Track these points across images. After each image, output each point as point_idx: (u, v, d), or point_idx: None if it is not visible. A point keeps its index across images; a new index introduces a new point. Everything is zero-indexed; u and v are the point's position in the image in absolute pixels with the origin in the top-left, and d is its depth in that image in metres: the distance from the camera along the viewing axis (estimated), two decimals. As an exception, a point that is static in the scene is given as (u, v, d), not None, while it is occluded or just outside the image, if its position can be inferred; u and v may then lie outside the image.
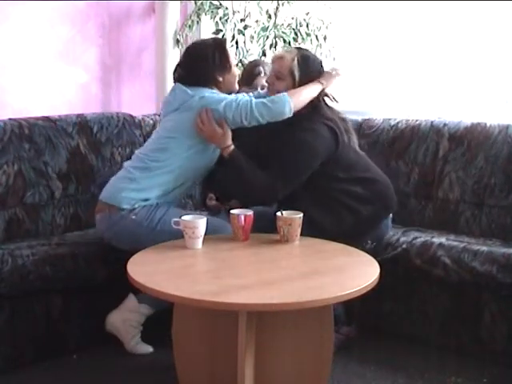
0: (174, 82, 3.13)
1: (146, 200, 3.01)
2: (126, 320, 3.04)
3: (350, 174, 3.08)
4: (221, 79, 3.06)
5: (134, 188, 3.01)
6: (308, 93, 3.03)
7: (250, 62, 3.82)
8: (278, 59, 3.11)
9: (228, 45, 3.20)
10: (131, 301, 3.04)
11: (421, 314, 3.23)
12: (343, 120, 3.14)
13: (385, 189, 3.17)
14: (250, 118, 2.95)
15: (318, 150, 3.00)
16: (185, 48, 3.20)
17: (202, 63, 3.05)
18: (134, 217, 2.98)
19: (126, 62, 4.48)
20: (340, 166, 3.06)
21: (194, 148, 3.02)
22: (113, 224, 3.02)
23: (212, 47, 3.08)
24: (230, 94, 3.08)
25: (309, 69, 3.07)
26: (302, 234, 2.83)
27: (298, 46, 4.24)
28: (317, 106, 3.08)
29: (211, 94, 3.02)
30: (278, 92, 3.02)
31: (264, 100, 2.97)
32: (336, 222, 3.03)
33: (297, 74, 3.05)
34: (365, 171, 3.14)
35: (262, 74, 3.46)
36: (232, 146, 2.98)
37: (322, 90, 3.06)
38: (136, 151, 3.18)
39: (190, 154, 3.02)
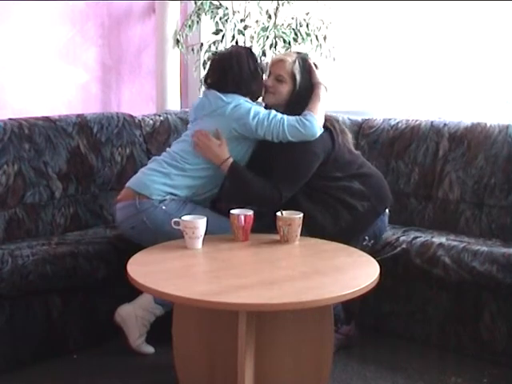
0: (207, 89, 3.16)
1: (176, 195, 3.04)
2: (138, 317, 3.03)
3: (346, 171, 3.11)
4: (254, 88, 3.11)
5: (165, 182, 3.03)
6: (324, 103, 3.08)
7: None
8: (278, 62, 3.13)
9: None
10: (147, 299, 3.02)
11: (421, 314, 3.23)
12: (337, 120, 3.18)
13: (380, 183, 3.20)
14: (282, 137, 3.00)
15: (317, 151, 3.02)
16: (214, 55, 3.26)
17: (237, 69, 3.08)
18: (164, 207, 2.99)
19: (126, 62, 4.48)
20: (337, 167, 3.09)
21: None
22: (141, 211, 3.00)
23: (247, 54, 3.13)
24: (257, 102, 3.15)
25: (306, 71, 3.10)
26: (302, 235, 2.83)
27: (293, 48, 4.28)
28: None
29: (245, 102, 3.06)
30: (281, 95, 3.08)
31: (295, 123, 2.98)
32: (334, 220, 3.04)
33: (298, 76, 3.08)
34: (359, 167, 3.16)
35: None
36: (230, 159, 3.01)
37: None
38: (168, 148, 3.19)
39: (213, 172, 3.06)
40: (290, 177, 3.00)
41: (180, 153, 3.09)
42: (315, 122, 3.00)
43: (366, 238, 3.10)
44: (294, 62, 3.09)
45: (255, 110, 3.02)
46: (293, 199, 2.99)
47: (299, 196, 3.04)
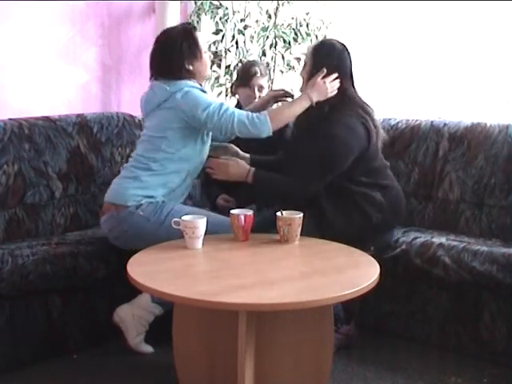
0: (150, 75, 3.12)
1: (152, 197, 3.03)
2: (135, 316, 3.03)
3: (372, 179, 3.09)
4: (190, 68, 3.05)
5: (138, 186, 3.03)
6: (293, 111, 3.02)
7: (246, 62, 3.82)
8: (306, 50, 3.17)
9: (197, 32, 3.12)
10: (144, 298, 3.02)
11: (421, 314, 3.23)
12: (374, 120, 3.09)
13: (399, 199, 3.20)
14: (230, 133, 3.00)
15: (353, 145, 2.99)
16: (155, 38, 3.15)
17: (170, 52, 3.04)
18: (141, 213, 2.99)
19: (126, 62, 4.48)
20: (364, 171, 3.06)
21: (187, 146, 3.04)
22: (121, 221, 3.02)
23: (180, 34, 3.06)
24: (203, 81, 3.14)
25: (322, 53, 3.06)
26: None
27: (293, 48, 4.28)
28: (349, 95, 3.06)
29: (193, 89, 3.00)
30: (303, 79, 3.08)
31: (246, 119, 2.95)
32: (346, 222, 3.03)
33: (311, 59, 3.07)
34: (384, 178, 3.15)
35: (259, 74, 3.46)
36: (252, 169, 3.03)
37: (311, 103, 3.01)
38: (132, 153, 3.19)
39: (184, 153, 3.04)
40: (319, 171, 2.99)
41: (143, 154, 3.08)
42: (267, 122, 2.95)
43: (372, 248, 3.07)
44: (310, 48, 3.11)
45: (205, 101, 2.98)
46: (314, 196, 3.01)
47: (320, 194, 3.04)
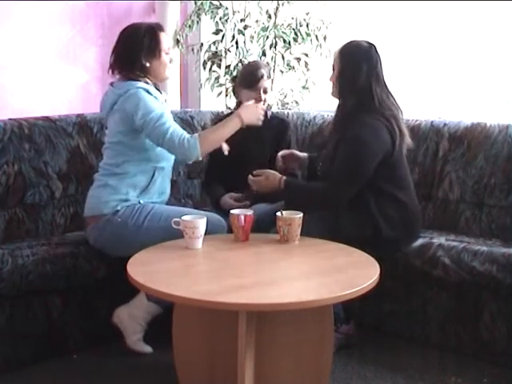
0: (109, 70, 3.10)
1: (127, 201, 3.02)
2: (132, 315, 3.03)
3: (391, 189, 3.05)
4: (147, 64, 3.03)
5: (109, 192, 3.02)
6: (223, 133, 3.00)
7: (250, 64, 3.74)
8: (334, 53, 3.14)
9: (163, 31, 3.09)
10: (140, 298, 3.02)
11: (421, 314, 3.23)
12: (398, 123, 3.03)
13: (414, 217, 3.15)
14: (161, 146, 2.97)
15: (375, 147, 2.95)
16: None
17: (129, 45, 3.02)
18: (119, 219, 2.99)
19: (126, 62, 4.48)
20: (387, 178, 3.02)
21: (145, 147, 3.02)
22: (101, 230, 3.02)
23: (143, 30, 3.03)
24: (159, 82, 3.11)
25: (348, 54, 3.04)
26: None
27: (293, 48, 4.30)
28: (375, 96, 3.00)
29: (138, 90, 2.96)
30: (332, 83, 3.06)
31: (176, 139, 2.91)
32: (356, 233, 2.97)
33: (338, 61, 3.05)
34: (404, 194, 3.10)
35: (265, 77, 3.40)
36: (282, 178, 3.01)
37: (242, 126, 3.01)
38: (100, 163, 3.17)
39: (144, 154, 3.03)
40: (347, 175, 2.96)
41: (107, 161, 3.09)
42: (196, 147, 2.91)
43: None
44: (337, 51, 3.08)
45: (147, 107, 2.94)
46: None
47: None
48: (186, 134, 2.96)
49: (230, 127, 3.01)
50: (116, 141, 3.05)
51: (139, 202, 3.03)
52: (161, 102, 3.07)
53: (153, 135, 2.95)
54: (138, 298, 3.02)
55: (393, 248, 3.11)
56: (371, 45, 3.08)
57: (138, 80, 3.03)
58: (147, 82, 3.05)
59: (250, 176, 2.85)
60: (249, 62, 3.94)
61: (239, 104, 3.54)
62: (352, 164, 2.95)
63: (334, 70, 3.09)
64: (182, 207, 3.20)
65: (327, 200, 2.98)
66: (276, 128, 3.55)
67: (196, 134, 2.98)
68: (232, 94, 4.47)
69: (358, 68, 3.00)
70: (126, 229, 2.97)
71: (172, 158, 3.12)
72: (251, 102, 3.10)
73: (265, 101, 3.38)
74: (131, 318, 3.03)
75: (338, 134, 3.03)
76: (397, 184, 3.08)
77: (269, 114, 3.53)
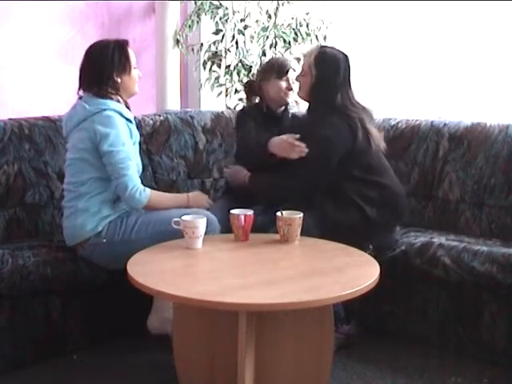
0: (78, 87, 3.07)
1: (105, 218, 2.97)
2: (162, 319, 2.98)
3: (365, 175, 3.12)
4: (119, 80, 3.00)
5: (83, 217, 2.96)
6: (168, 204, 3.01)
7: (276, 57, 3.92)
8: (303, 56, 3.28)
9: (129, 47, 3.07)
10: (157, 300, 2.98)
11: (421, 314, 3.23)
12: (361, 119, 3.13)
13: (396, 197, 3.20)
14: (114, 182, 2.94)
15: (335, 142, 3.07)
16: (86, 48, 3.09)
17: (100, 61, 2.99)
18: (104, 240, 2.96)
19: (126, 62, 4.47)
20: (356, 164, 3.11)
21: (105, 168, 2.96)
22: (90, 255, 3.00)
23: (112, 46, 3.01)
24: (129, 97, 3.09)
25: (325, 66, 3.14)
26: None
27: (293, 48, 4.31)
28: (338, 103, 3.12)
29: (114, 114, 2.93)
30: (300, 88, 3.23)
31: (130, 185, 2.90)
32: (343, 217, 3.06)
33: (314, 71, 3.14)
34: (380, 175, 3.17)
35: (292, 69, 3.46)
36: (247, 176, 3.27)
37: (186, 206, 3.05)
38: (63, 185, 3.12)
39: (106, 172, 2.96)
40: (310, 169, 3.09)
41: (71, 179, 3.02)
42: (141, 203, 2.93)
43: (371, 246, 3.07)
44: (311, 55, 3.20)
45: (117, 139, 2.91)
46: (312, 193, 3.12)
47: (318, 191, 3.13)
48: (139, 186, 2.93)
49: (176, 203, 3.05)
50: (80, 157, 2.97)
51: (119, 217, 2.98)
52: (130, 123, 3.03)
53: (110, 169, 2.92)
54: (158, 302, 2.99)
55: (382, 229, 3.15)
56: (345, 54, 3.22)
57: (111, 98, 2.99)
58: (119, 101, 3.01)
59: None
60: (273, 57, 4.00)
61: (261, 102, 3.50)
62: (316, 162, 3.09)
63: (302, 74, 3.21)
64: (169, 210, 3.05)
65: (292, 188, 3.13)
66: (298, 126, 3.52)
67: (148, 192, 2.95)
68: (232, 94, 4.50)
69: (334, 77, 3.13)
70: (115, 246, 2.93)
71: (140, 170, 3.08)
72: (205, 197, 3.17)
73: (293, 91, 3.41)
74: (164, 321, 2.96)
75: (305, 130, 3.16)
76: (373, 171, 3.15)
77: (290, 113, 3.51)
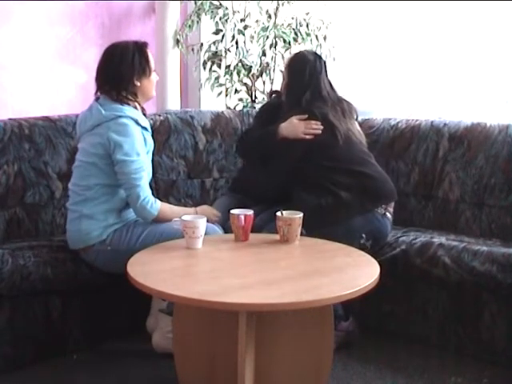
0: (95, 90, 3.01)
1: (110, 226, 2.95)
2: (166, 336, 2.96)
3: (336, 164, 3.18)
4: (138, 84, 2.97)
5: (88, 223, 2.94)
6: (176, 214, 2.90)
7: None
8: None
9: (149, 49, 3.04)
10: (164, 320, 2.96)
11: (421, 313, 3.23)
12: (325, 114, 3.23)
13: (377, 184, 3.22)
14: (125, 192, 2.92)
15: (295, 144, 3.20)
16: (104, 50, 3.04)
17: (121, 65, 2.94)
18: (109, 247, 2.94)
19: (126, 61, 4.47)
20: (323, 156, 3.19)
21: (115, 176, 2.93)
22: (94, 260, 2.99)
23: (132, 49, 2.97)
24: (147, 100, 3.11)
25: (292, 69, 3.32)
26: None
27: (293, 48, 4.32)
28: (301, 98, 3.25)
29: (130, 122, 2.89)
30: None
31: (142, 196, 2.87)
32: (318, 203, 3.13)
33: (285, 75, 3.35)
34: (357, 165, 3.21)
35: None
36: None
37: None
38: (69, 185, 3.09)
39: (117, 180, 2.93)
40: (277, 163, 3.26)
41: (78, 182, 3.00)
42: (152, 214, 2.90)
43: (363, 235, 3.10)
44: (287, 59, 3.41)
45: (132, 149, 2.87)
46: (289, 185, 3.22)
47: (294, 183, 3.22)
48: (150, 197, 2.90)
49: (184, 212, 2.94)
50: (91, 161, 2.94)
51: (125, 225, 2.96)
52: (146, 131, 3.02)
53: (122, 178, 2.89)
54: (162, 320, 2.98)
55: (357, 209, 3.16)
56: (316, 55, 3.39)
57: (128, 103, 2.95)
58: (136, 107, 2.99)
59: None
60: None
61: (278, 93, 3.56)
62: (282, 157, 3.26)
63: (283, 78, 3.41)
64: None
65: (264, 188, 3.31)
66: None
67: (159, 204, 2.92)
68: (233, 94, 4.49)
69: (300, 77, 3.28)
70: (119, 254, 2.86)
71: (150, 178, 3.05)
72: (214, 212, 3.13)
73: None
74: (170, 339, 2.86)
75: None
76: (337, 160, 3.20)
77: None
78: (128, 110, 2.94)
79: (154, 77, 3.06)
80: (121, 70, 2.95)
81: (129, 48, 2.98)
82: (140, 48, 3.00)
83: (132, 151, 2.88)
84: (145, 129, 3.02)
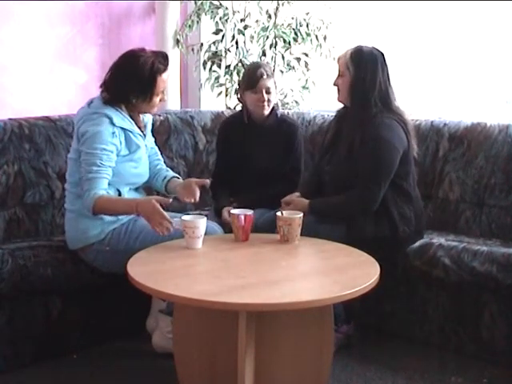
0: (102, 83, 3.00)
1: (108, 223, 2.93)
2: (165, 337, 2.97)
3: (407, 187, 3.09)
4: (134, 101, 2.94)
5: (86, 222, 2.92)
6: (117, 210, 2.86)
7: (250, 64, 3.70)
8: (338, 59, 3.12)
9: (167, 70, 2.92)
10: (164, 321, 2.97)
11: (421, 314, 3.23)
12: (405, 122, 3.11)
13: (421, 215, 3.19)
14: (83, 179, 2.86)
15: (397, 145, 3.01)
16: (123, 54, 2.98)
17: (126, 80, 2.90)
18: (107, 248, 2.93)
19: (126, 62, 4.48)
20: (404, 174, 3.07)
21: None
22: (93, 260, 2.98)
23: (148, 69, 2.88)
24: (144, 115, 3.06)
25: (363, 62, 3.04)
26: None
27: (293, 48, 4.30)
28: (386, 98, 3.05)
29: (103, 119, 2.85)
30: (339, 92, 3.08)
31: (86, 186, 2.81)
32: (372, 230, 3.03)
33: (351, 69, 3.03)
34: (413, 189, 3.15)
35: (265, 76, 3.28)
36: (307, 203, 3.05)
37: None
38: (65, 185, 3.09)
39: None
40: (376, 176, 2.99)
41: (68, 179, 3.01)
42: (89, 204, 2.79)
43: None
44: (346, 54, 3.08)
45: (94, 140, 2.83)
46: None
47: None
48: (96, 190, 2.80)
49: (124, 209, 2.85)
50: (74, 157, 2.96)
51: (123, 225, 2.93)
52: (129, 132, 2.96)
53: (84, 168, 2.85)
54: (162, 320, 2.99)
55: (405, 246, 3.13)
56: (380, 51, 3.12)
57: (113, 106, 2.93)
58: (119, 109, 2.94)
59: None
60: (249, 64, 3.91)
61: (245, 109, 3.42)
62: (378, 164, 2.98)
63: (340, 74, 3.09)
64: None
65: (365, 205, 3.01)
66: (285, 133, 3.42)
67: (97, 196, 2.80)
68: (232, 94, 4.50)
69: (373, 74, 3.02)
70: (118, 255, 2.85)
71: (142, 178, 3.06)
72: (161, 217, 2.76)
73: (269, 101, 3.30)
74: (170, 339, 2.86)
75: (350, 137, 3.04)
76: (410, 181, 3.12)
77: (278, 113, 3.46)
78: (108, 109, 2.92)
79: (156, 100, 2.96)
80: (124, 85, 2.92)
81: (144, 67, 2.88)
82: (155, 71, 2.89)
83: (92, 142, 2.84)
84: (124, 130, 2.94)
